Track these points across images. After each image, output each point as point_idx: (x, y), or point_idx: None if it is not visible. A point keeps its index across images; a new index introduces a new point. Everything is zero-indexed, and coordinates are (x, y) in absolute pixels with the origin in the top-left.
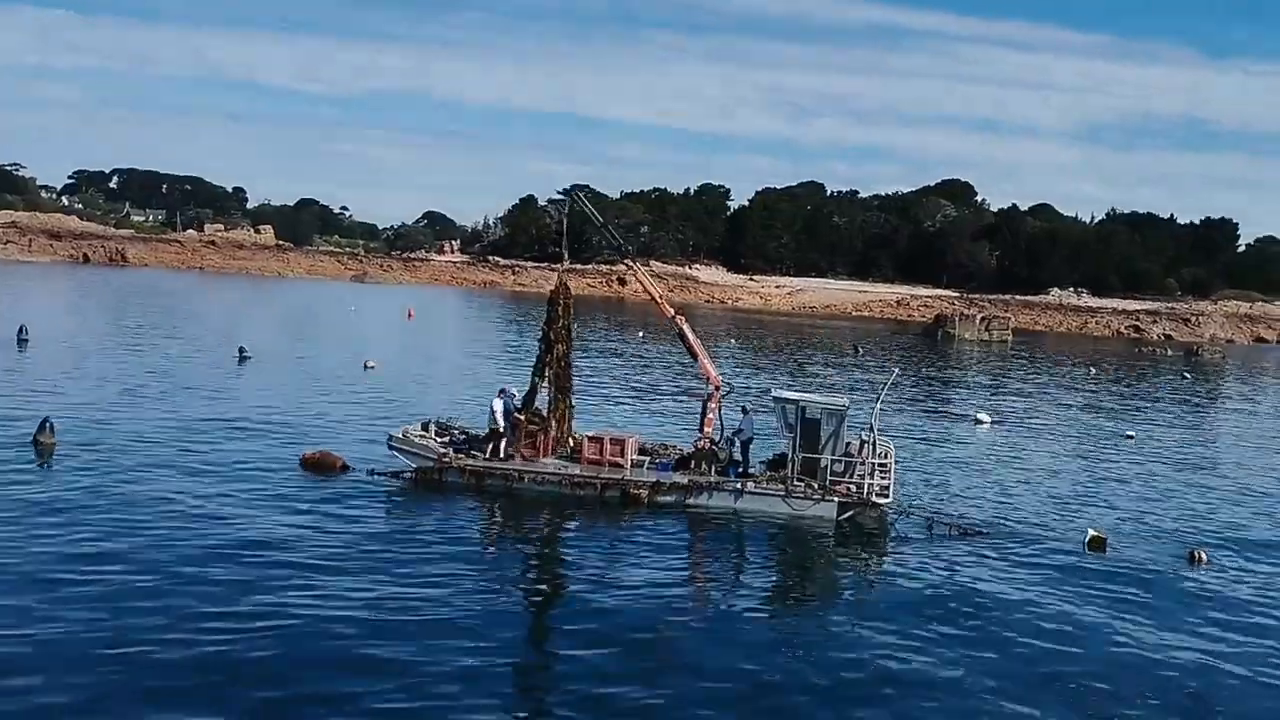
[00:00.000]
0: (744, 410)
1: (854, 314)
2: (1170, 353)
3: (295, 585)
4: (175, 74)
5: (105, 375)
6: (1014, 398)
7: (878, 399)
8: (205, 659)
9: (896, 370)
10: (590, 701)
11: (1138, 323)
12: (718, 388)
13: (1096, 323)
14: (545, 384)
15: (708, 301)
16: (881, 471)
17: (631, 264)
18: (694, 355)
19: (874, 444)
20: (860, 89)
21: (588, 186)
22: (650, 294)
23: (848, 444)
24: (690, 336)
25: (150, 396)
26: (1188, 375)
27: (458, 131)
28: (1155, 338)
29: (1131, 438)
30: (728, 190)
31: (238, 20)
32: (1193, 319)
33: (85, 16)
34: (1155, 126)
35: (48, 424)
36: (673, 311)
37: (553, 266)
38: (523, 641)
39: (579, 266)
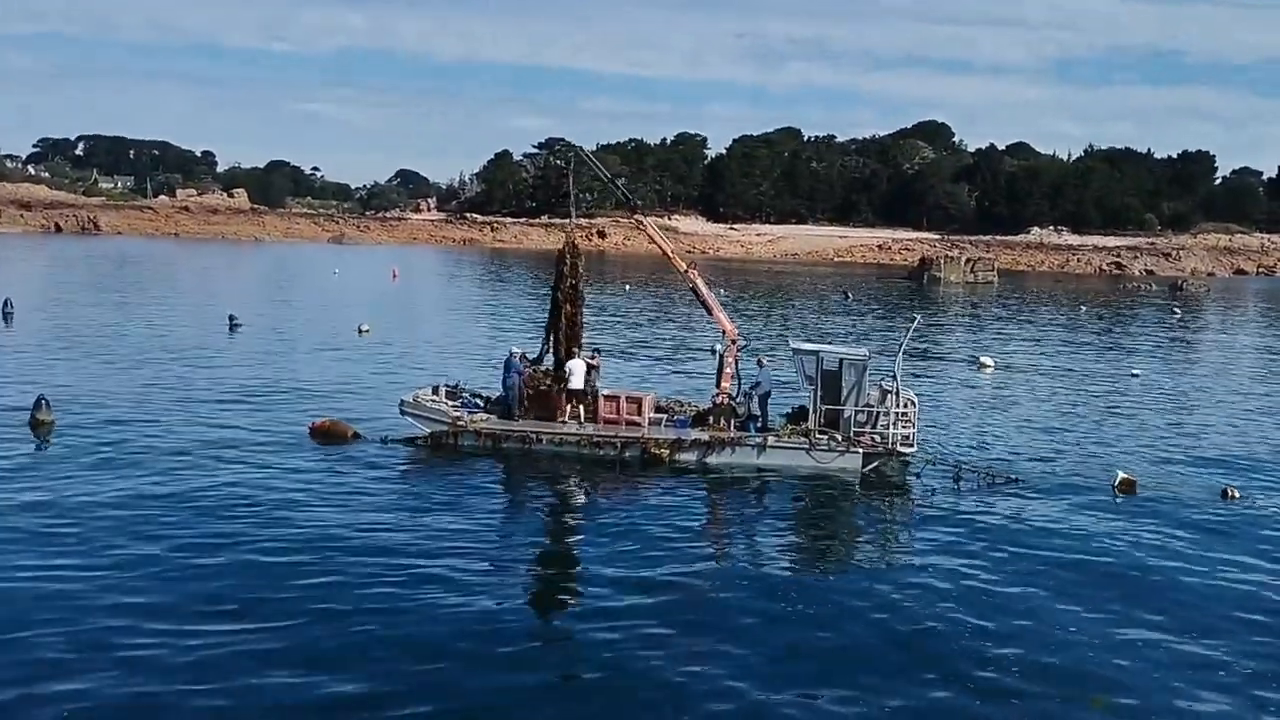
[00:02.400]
0: (760, 363)
1: (836, 260)
2: (1154, 288)
3: (314, 555)
4: (137, 38)
5: (95, 348)
6: (1011, 340)
7: (900, 347)
8: (225, 633)
9: (918, 318)
10: (616, 663)
11: (1119, 259)
12: (734, 341)
13: (1078, 260)
14: (550, 346)
15: (689, 252)
16: (905, 421)
17: (642, 219)
18: (708, 309)
19: (897, 393)
20: (830, 32)
21: (563, 140)
22: (661, 249)
23: (869, 394)
24: (703, 290)
25: (144, 369)
26: (1177, 310)
27: (427, 88)
28: (1137, 274)
29: (1136, 375)
30: (705, 139)
31: None
32: (1173, 253)
33: None
34: (1126, 61)
35: (43, 401)
36: (685, 266)
37: (531, 221)
38: (546, 605)
39: (557, 221)
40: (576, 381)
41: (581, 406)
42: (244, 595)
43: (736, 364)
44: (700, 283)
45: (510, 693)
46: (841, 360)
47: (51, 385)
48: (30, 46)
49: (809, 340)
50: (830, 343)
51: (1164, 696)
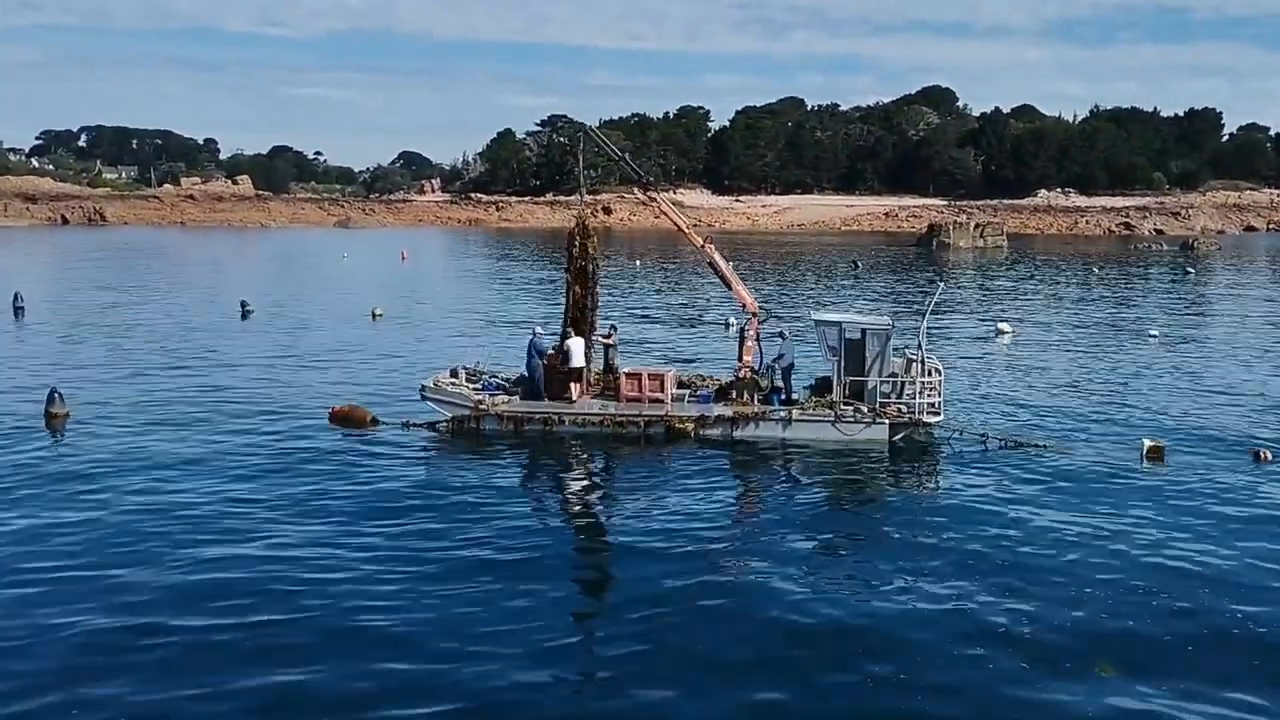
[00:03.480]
0: (782, 335)
1: (843, 229)
2: (1165, 248)
3: (339, 542)
4: (133, 25)
5: (107, 339)
6: (1025, 305)
7: (924, 316)
8: (250, 622)
9: (941, 285)
10: (646, 641)
11: (1128, 219)
12: (755, 314)
13: (1087, 222)
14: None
15: (695, 225)
16: (931, 390)
17: (655, 195)
18: (727, 283)
19: (922, 361)
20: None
21: (566, 116)
22: (677, 225)
23: (893, 364)
24: (721, 264)
25: (157, 358)
26: (1190, 270)
27: (426, 68)
28: (1147, 233)
29: (1155, 337)
30: (707, 111)
31: None
32: (1182, 212)
33: None
34: (1129, 19)
35: (56, 394)
36: (701, 240)
37: (536, 200)
38: (576, 584)
39: (562, 199)
40: (576, 360)
41: (582, 385)
42: (267, 584)
43: (758, 337)
44: (718, 257)
45: (540, 680)
46: (864, 330)
47: (65, 377)
48: (29, 38)
49: (830, 310)
50: (850, 312)
51: (1182, 666)
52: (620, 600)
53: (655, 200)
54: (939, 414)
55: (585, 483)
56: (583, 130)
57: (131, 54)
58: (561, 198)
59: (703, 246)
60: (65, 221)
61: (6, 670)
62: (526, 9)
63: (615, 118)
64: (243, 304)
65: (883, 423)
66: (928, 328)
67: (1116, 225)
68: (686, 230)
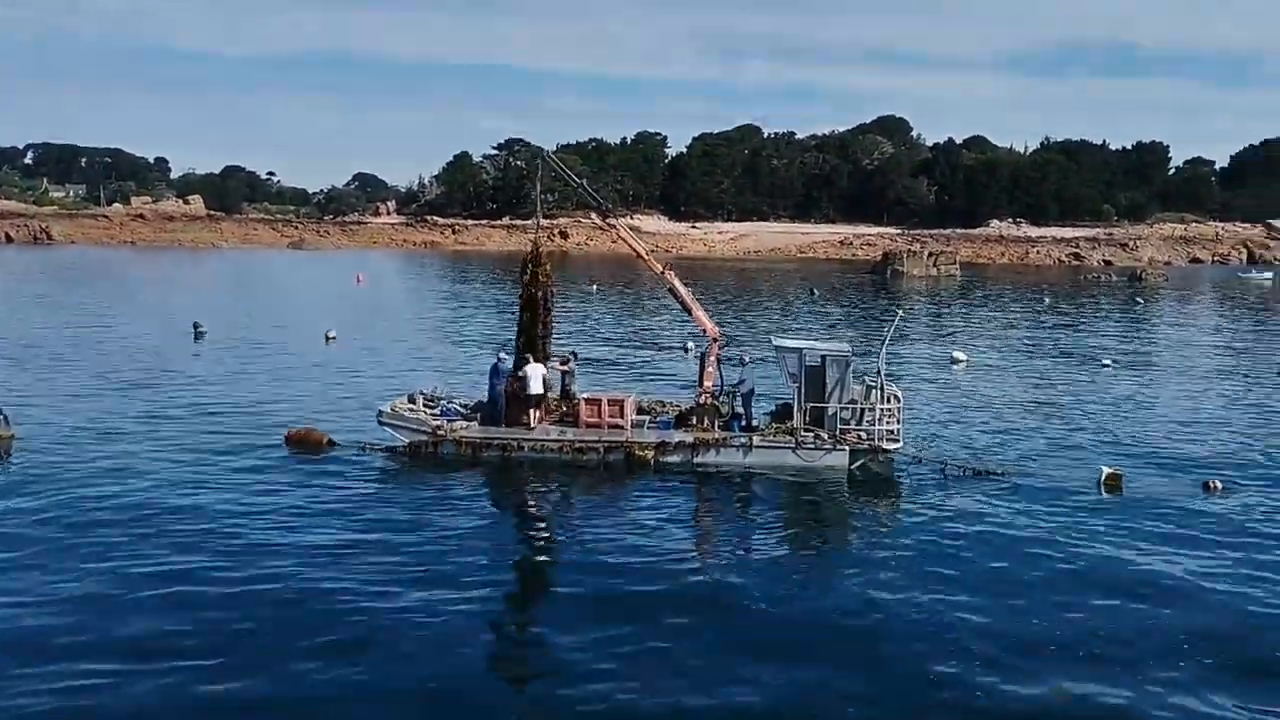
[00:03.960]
0: (742, 361)
1: (799, 256)
2: (1114, 279)
3: (291, 567)
4: (87, 42)
5: (54, 359)
6: (979, 333)
7: (883, 343)
8: (201, 648)
9: (900, 313)
10: (603, 673)
11: (1078, 250)
12: (715, 339)
13: (1038, 252)
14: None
15: (652, 250)
16: (890, 417)
17: (614, 222)
18: (687, 309)
19: (881, 388)
20: (787, 29)
21: (523, 140)
22: (636, 251)
23: (853, 390)
24: (681, 290)
25: (107, 380)
26: (1140, 300)
27: (383, 89)
28: (1096, 264)
29: (1108, 366)
30: (665, 138)
31: None
32: (1130, 243)
33: None
34: (1079, 54)
35: (2, 415)
36: (661, 267)
37: (492, 223)
38: (529, 615)
39: (518, 223)
40: (534, 387)
41: (541, 411)
42: (218, 610)
43: (719, 363)
44: (678, 283)
45: (488, 704)
46: (824, 356)
47: (10, 399)
48: None
49: (790, 337)
50: (809, 338)
51: (1139, 689)
52: (576, 630)
53: (614, 226)
54: (898, 441)
55: (543, 509)
56: (541, 155)
57: (81, 70)
58: (518, 221)
59: (663, 273)
60: (9, 240)
61: None
62: (485, 31)
63: (573, 142)
64: (195, 325)
65: (843, 449)
66: (886, 355)
67: (1066, 255)
68: (646, 256)
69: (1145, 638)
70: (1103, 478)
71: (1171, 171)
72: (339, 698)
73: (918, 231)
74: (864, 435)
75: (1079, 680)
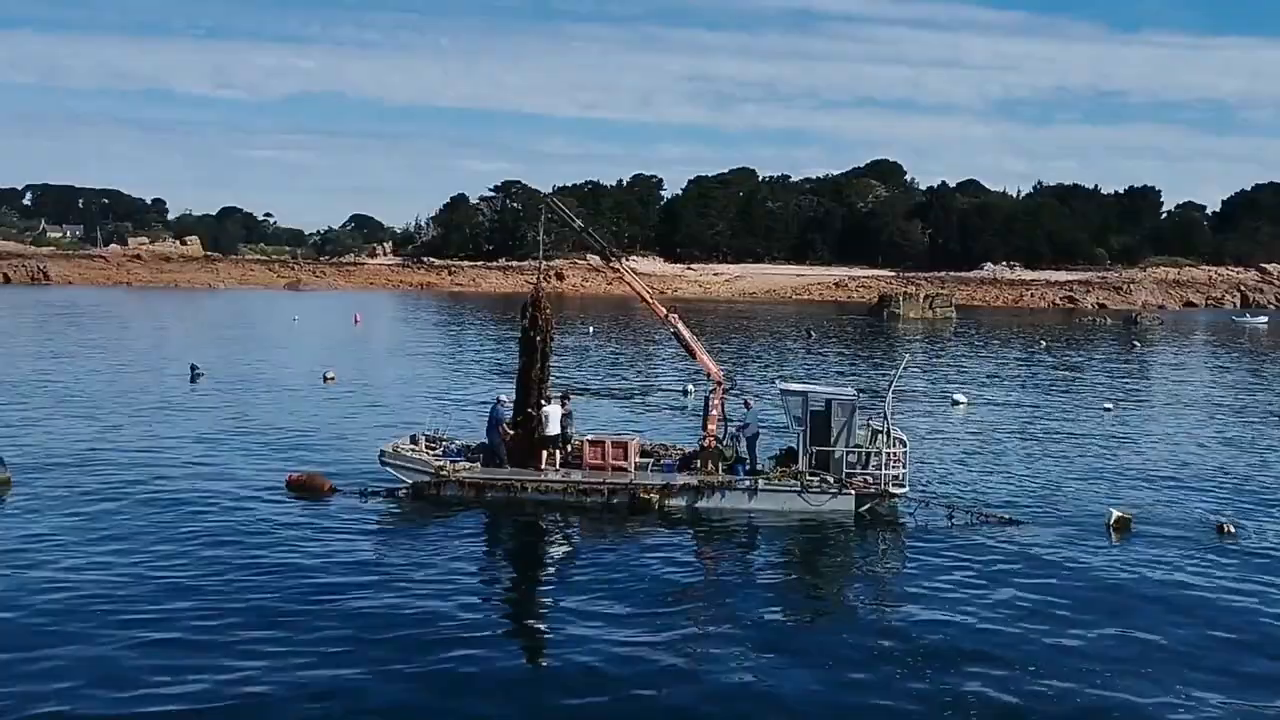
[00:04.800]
0: (747, 405)
1: (794, 298)
2: (1109, 321)
3: (301, 613)
4: (85, 85)
5: (50, 401)
6: (978, 375)
7: (890, 387)
8: (200, 695)
9: (907, 356)
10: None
11: (1072, 293)
12: (720, 382)
13: (1032, 295)
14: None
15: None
16: (896, 461)
17: (619, 265)
18: (691, 353)
19: (888, 433)
20: (780, 74)
21: (519, 182)
22: (640, 295)
23: (858, 435)
24: (685, 334)
25: (104, 422)
26: (1137, 343)
27: (379, 132)
28: (1090, 307)
29: (1110, 409)
30: (660, 180)
31: (146, 28)
32: (1124, 287)
33: None
34: (1068, 100)
35: None
36: (665, 311)
37: (488, 264)
38: (535, 661)
39: (514, 264)
40: (552, 428)
41: (558, 453)
42: (220, 657)
43: (723, 406)
44: (682, 326)
45: None
46: (830, 400)
47: (5, 441)
48: None
49: (795, 380)
50: (810, 381)
51: None
52: (580, 675)
53: (620, 271)
54: (904, 486)
55: (548, 552)
56: (545, 199)
57: (80, 113)
58: (514, 263)
59: (666, 316)
60: (7, 280)
61: None
62: (480, 75)
63: (569, 184)
64: (192, 367)
65: (849, 494)
66: (891, 398)
67: (1061, 299)
68: (650, 300)
69: (1162, 689)
70: (1111, 520)
71: (1163, 216)
72: None
73: (912, 274)
74: (870, 479)
75: None
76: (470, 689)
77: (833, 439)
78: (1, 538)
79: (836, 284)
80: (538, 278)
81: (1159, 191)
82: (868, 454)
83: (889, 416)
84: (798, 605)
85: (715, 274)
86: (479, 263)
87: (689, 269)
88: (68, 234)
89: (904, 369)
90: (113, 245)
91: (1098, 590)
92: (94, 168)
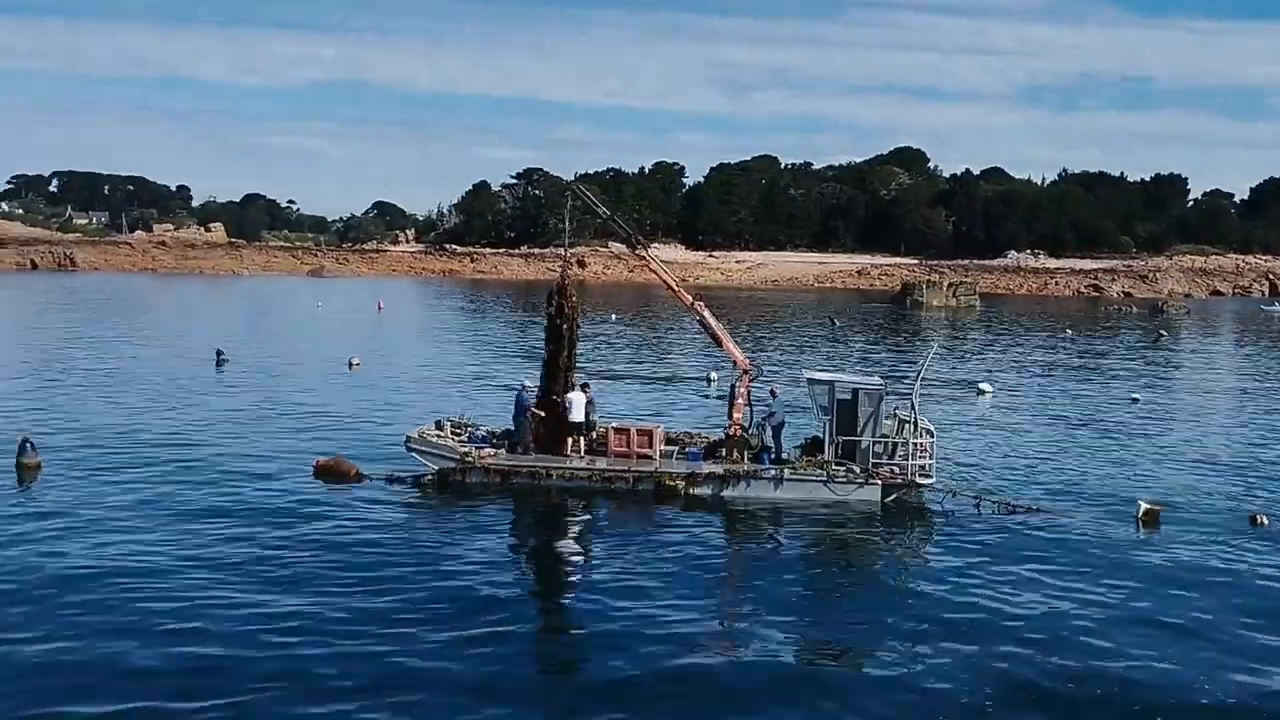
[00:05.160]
0: (773, 393)
1: (816, 286)
2: (1135, 310)
3: (325, 600)
4: (109, 73)
5: (77, 386)
6: (1003, 364)
7: (917, 376)
8: (233, 683)
9: (935, 346)
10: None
11: (1097, 281)
12: (746, 371)
13: (1056, 283)
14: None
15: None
16: (924, 451)
17: (645, 254)
18: (717, 341)
19: (915, 422)
20: (801, 61)
21: (541, 170)
22: (667, 283)
23: (885, 424)
24: (712, 322)
25: (131, 407)
26: (1164, 333)
27: (400, 120)
28: (1115, 295)
29: (1137, 400)
30: (682, 168)
31: (169, 16)
32: (1150, 275)
33: (12, 18)
34: (1093, 87)
35: (27, 444)
36: (690, 299)
37: (510, 251)
38: (559, 648)
39: (536, 251)
40: (576, 414)
41: (582, 440)
42: (243, 641)
43: (749, 395)
44: (708, 315)
45: None
46: (857, 390)
47: (35, 426)
48: (1, 83)
49: (822, 369)
50: (835, 370)
51: None
52: (604, 663)
53: (646, 259)
54: (931, 476)
55: (574, 539)
56: (571, 187)
57: (105, 100)
58: (536, 250)
59: (692, 305)
60: (35, 266)
61: None
62: (501, 63)
63: (591, 172)
64: (218, 353)
65: (875, 484)
66: (919, 386)
67: (1085, 287)
68: (676, 288)
69: (1197, 682)
70: (1140, 512)
71: (1190, 203)
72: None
73: (935, 262)
74: (897, 470)
75: None
76: (495, 674)
77: (859, 428)
78: (34, 520)
79: (859, 272)
80: (563, 265)
81: (1186, 179)
82: (895, 444)
83: (916, 406)
84: (824, 595)
85: (737, 261)
86: (501, 250)
87: (711, 256)
88: (93, 220)
89: (931, 358)
90: (138, 232)
91: (1129, 582)
92: (119, 155)
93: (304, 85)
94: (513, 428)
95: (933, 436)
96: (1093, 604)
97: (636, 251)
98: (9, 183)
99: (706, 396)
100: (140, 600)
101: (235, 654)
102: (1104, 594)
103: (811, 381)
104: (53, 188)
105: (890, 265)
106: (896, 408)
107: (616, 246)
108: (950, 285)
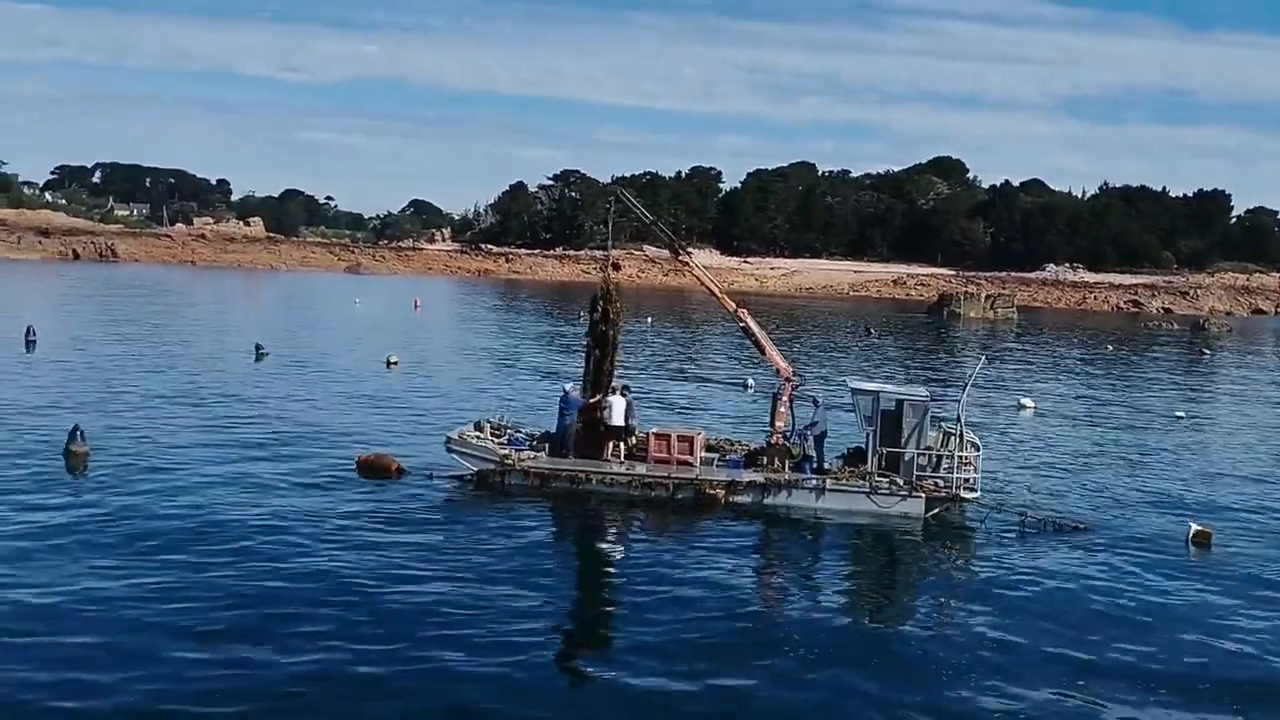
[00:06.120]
0: (815, 403)
1: (851, 294)
2: (1176, 327)
3: (366, 595)
4: (154, 66)
5: (121, 377)
6: (1043, 379)
7: (964, 389)
8: (269, 676)
9: (984, 358)
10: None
11: (1137, 297)
12: (788, 379)
13: (1095, 298)
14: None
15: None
16: (968, 465)
17: (687, 259)
18: (760, 349)
19: (961, 435)
20: (842, 67)
21: (578, 172)
22: (709, 289)
23: (929, 437)
24: (755, 329)
25: (174, 399)
26: (1206, 351)
27: (438, 118)
28: (1155, 311)
29: (1181, 417)
30: (719, 172)
31: (214, 10)
32: (1190, 292)
33: (63, 10)
34: (1136, 99)
35: (78, 432)
36: (734, 305)
37: (545, 253)
38: (591, 654)
39: (572, 253)
40: (616, 418)
41: (622, 445)
42: (285, 632)
43: (791, 403)
44: (751, 321)
45: None
46: (901, 401)
47: (81, 416)
48: (49, 74)
49: (866, 379)
50: (873, 380)
51: None
52: (636, 670)
53: (688, 265)
54: (976, 490)
55: (612, 545)
56: (614, 192)
57: (148, 93)
58: (571, 251)
59: (736, 311)
60: (77, 256)
61: None
62: (540, 63)
63: (627, 174)
64: (257, 346)
65: (919, 497)
66: (967, 399)
67: (1125, 302)
68: (720, 294)
69: (1245, 708)
70: (1191, 534)
71: (1233, 220)
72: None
73: (972, 273)
74: (940, 483)
75: None
76: (529, 679)
77: (903, 440)
78: (83, 509)
79: (895, 281)
80: (606, 270)
81: (1229, 195)
82: (939, 457)
83: (962, 419)
84: (866, 609)
85: (772, 268)
86: (536, 251)
87: (745, 262)
88: (134, 212)
89: (979, 371)
90: (178, 224)
91: (1180, 608)
92: (161, 148)
93: (344, 82)
94: (554, 430)
95: (978, 450)
96: (1141, 631)
97: (680, 259)
98: (53, 173)
99: (744, 403)
100: (180, 589)
101: (270, 648)
102: (1153, 622)
103: (856, 391)
104: (95, 179)
105: (927, 275)
106: (942, 421)
107: (652, 250)
108: (988, 297)
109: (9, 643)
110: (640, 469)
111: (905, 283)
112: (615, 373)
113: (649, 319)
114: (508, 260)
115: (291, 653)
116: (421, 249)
